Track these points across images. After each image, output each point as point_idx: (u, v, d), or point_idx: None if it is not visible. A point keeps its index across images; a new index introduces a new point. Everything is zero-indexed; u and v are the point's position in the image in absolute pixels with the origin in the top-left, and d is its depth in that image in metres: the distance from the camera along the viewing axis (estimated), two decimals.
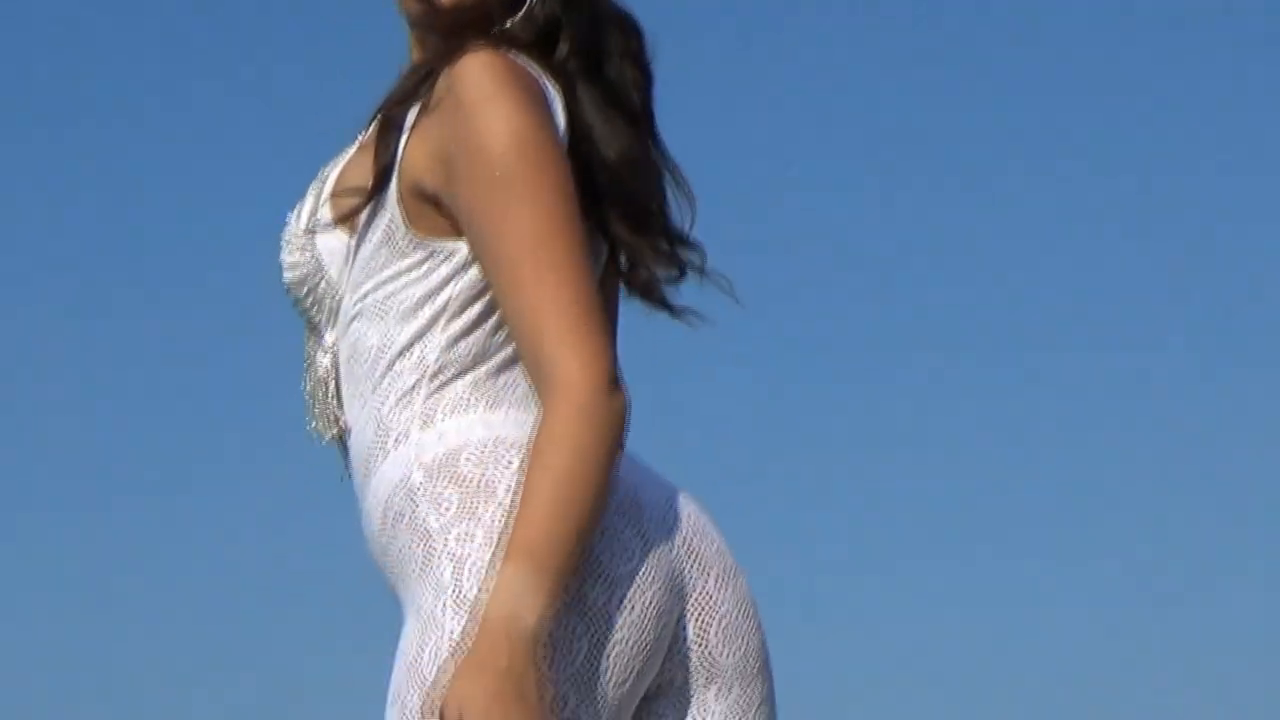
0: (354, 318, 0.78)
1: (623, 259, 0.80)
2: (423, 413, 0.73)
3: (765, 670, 0.81)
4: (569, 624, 0.67)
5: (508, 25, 0.76)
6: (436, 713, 0.64)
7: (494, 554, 0.66)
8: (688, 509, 0.78)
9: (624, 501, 0.72)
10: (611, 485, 0.70)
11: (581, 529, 0.66)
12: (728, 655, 0.77)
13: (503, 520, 0.67)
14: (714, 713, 0.78)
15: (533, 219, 0.68)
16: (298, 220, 0.82)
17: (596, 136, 0.76)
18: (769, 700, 0.81)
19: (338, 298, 0.80)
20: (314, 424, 0.83)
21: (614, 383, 0.68)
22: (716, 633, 0.77)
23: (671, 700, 0.77)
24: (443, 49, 0.75)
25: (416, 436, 0.73)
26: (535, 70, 0.73)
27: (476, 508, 0.70)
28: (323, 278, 0.81)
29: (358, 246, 0.78)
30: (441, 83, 0.71)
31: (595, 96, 0.76)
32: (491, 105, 0.69)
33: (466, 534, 0.70)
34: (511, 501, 0.68)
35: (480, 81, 0.69)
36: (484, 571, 0.66)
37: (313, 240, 0.81)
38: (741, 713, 0.79)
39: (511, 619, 0.63)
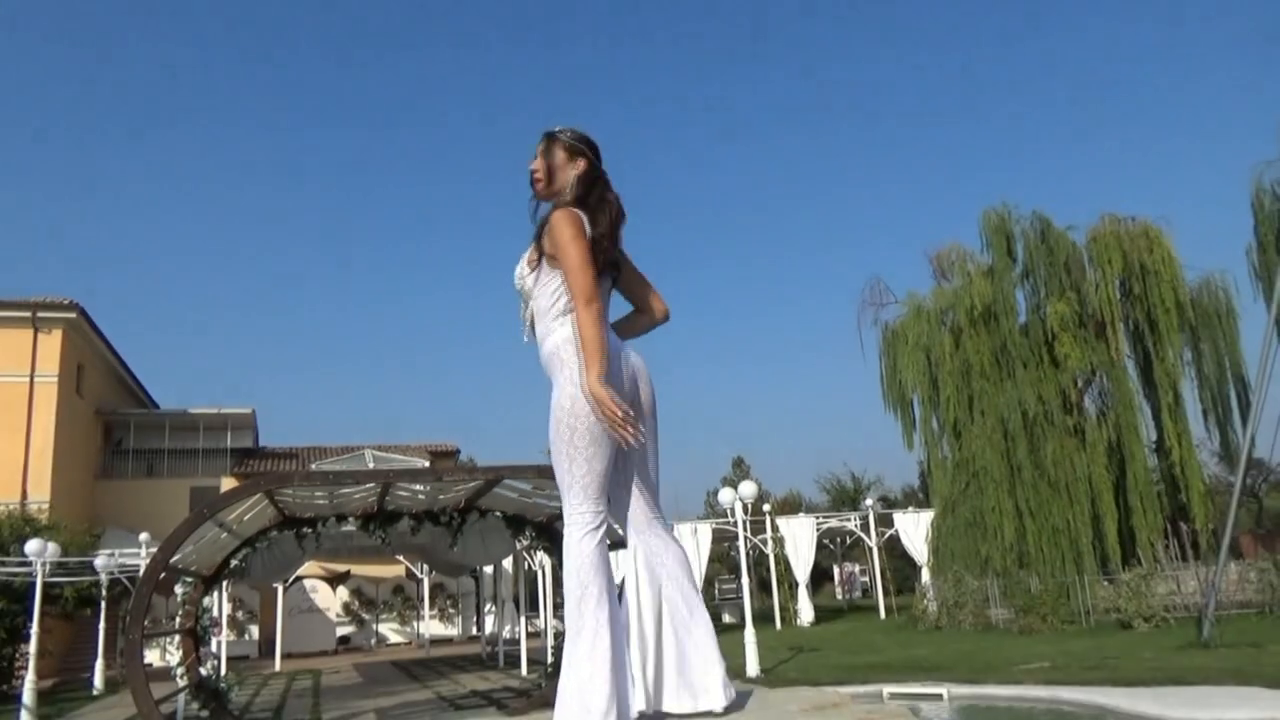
0: (535, 298, 2.86)
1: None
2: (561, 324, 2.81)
3: (655, 412, 2.90)
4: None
5: (567, 198, 2.82)
6: (590, 395, 2.59)
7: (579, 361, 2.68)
8: (635, 360, 2.85)
9: (613, 356, 2.70)
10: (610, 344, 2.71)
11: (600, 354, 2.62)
12: (645, 402, 2.85)
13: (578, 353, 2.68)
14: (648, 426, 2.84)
15: (573, 254, 2.69)
16: (519, 267, 2.89)
17: (597, 223, 2.77)
18: (654, 426, 2.91)
19: (529, 292, 2.88)
20: (524, 332, 2.91)
21: (589, 290, 2.65)
22: (642, 396, 2.84)
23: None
24: (551, 205, 2.89)
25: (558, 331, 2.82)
26: (578, 211, 2.77)
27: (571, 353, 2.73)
28: (525, 286, 2.88)
29: (536, 276, 2.84)
30: (549, 222, 2.81)
31: (593, 213, 2.81)
32: (560, 221, 2.74)
33: (571, 357, 2.72)
34: (578, 347, 2.68)
35: (559, 215, 2.76)
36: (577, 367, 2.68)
37: (522, 271, 2.88)
38: (644, 428, 2.75)
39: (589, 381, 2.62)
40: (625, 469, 2.87)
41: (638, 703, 2.68)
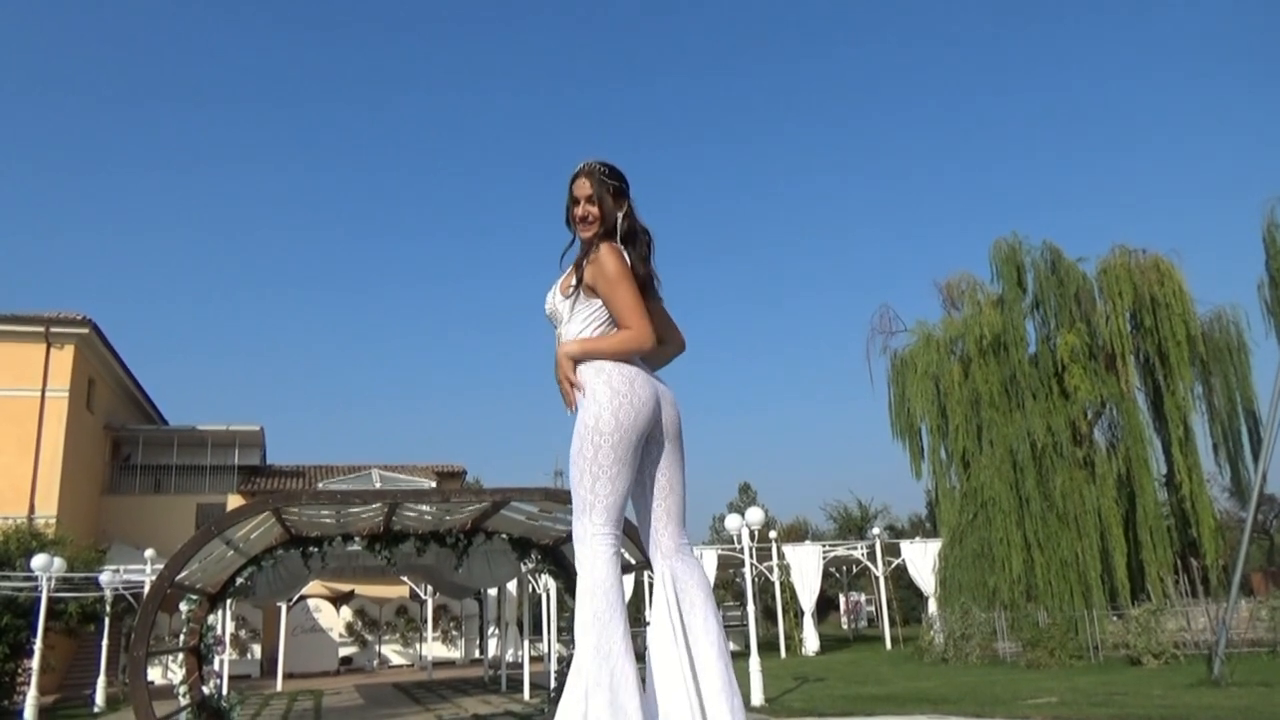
0: (567, 322, 2.91)
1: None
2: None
3: (680, 436, 2.94)
4: (606, 394, 2.72)
5: (615, 236, 2.87)
6: (562, 354, 2.84)
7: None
8: (661, 387, 2.89)
9: (647, 378, 2.81)
10: (633, 367, 2.79)
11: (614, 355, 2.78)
12: (670, 426, 2.89)
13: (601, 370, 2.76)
14: (667, 450, 2.88)
15: (623, 295, 2.78)
16: (551, 294, 2.98)
17: (633, 261, 2.84)
18: (681, 450, 2.95)
19: (562, 318, 2.92)
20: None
21: (648, 334, 2.76)
22: (667, 419, 2.87)
23: (654, 443, 2.85)
24: (587, 245, 2.91)
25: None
26: (620, 245, 2.86)
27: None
28: (556, 311, 2.95)
29: (572, 303, 2.89)
30: (592, 254, 2.85)
31: (632, 251, 2.89)
32: (609, 259, 2.79)
33: (592, 378, 2.77)
34: (597, 369, 2.76)
35: (607, 252, 2.81)
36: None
37: (555, 299, 2.96)
38: (672, 451, 2.90)
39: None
40: (654, 492, 2.91)
41: None
